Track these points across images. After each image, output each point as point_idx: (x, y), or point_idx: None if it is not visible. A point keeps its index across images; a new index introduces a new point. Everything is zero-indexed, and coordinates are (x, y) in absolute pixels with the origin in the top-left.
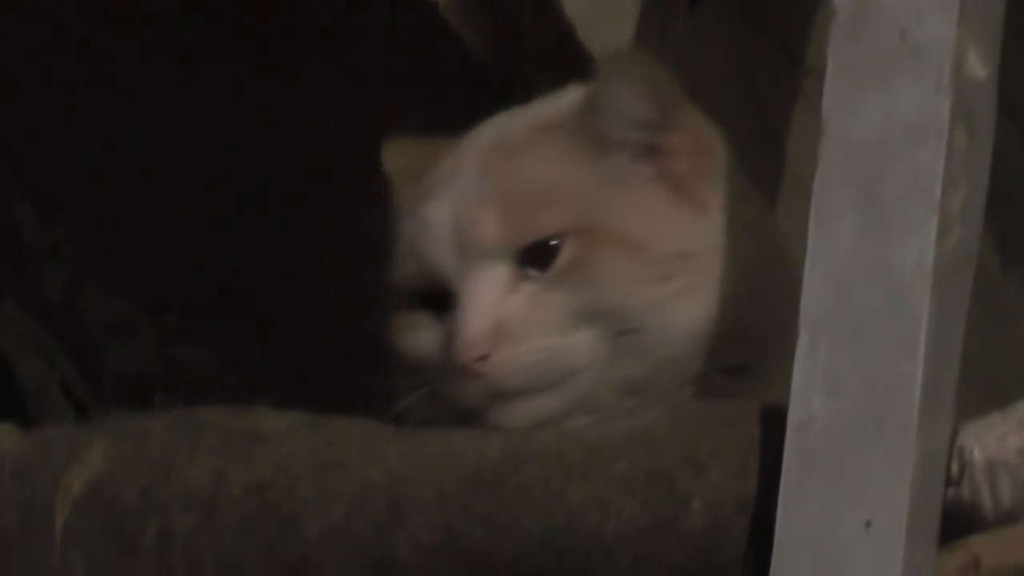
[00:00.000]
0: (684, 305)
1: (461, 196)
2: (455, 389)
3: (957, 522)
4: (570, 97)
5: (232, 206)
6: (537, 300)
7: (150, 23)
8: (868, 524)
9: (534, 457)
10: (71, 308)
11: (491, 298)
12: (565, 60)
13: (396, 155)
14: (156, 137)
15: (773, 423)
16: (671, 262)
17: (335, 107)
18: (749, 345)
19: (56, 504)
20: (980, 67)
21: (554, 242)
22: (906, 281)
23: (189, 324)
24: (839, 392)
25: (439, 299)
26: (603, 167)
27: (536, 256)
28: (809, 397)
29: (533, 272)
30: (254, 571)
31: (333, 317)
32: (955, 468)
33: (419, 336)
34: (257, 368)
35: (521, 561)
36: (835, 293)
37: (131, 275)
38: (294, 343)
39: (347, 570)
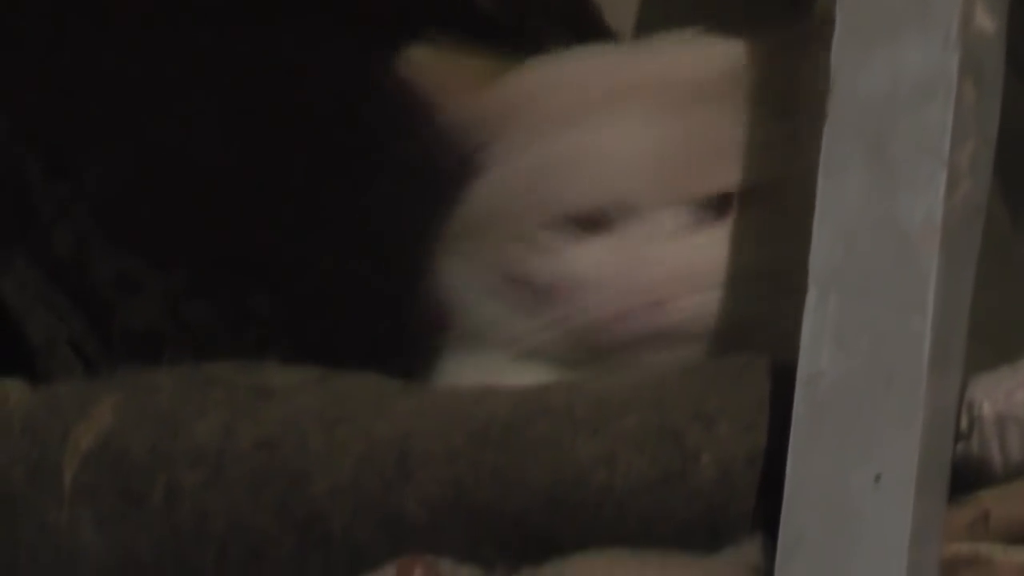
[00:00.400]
0: None
1: (636, 135)
2: (617, 321)
3: (966, 477)
4: (731, 50)
5: (241, 163)
6: (716, 250)
7: None
8: (878, 478)
9: (543, 412)
10: (80, 264)
11: (674, 243)
12: (573, 13)
13: (433, 65)
14: (166, 94)
15: (782, 378)
16: None
17: (340, 61)
18: None
19: (65, 460)
20: (988, 21)
21: (734, 195)
22: (915, 236)
23: (198, 280)
24: (848, 347)
25: (587, 227)
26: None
27: (716, 207)
28: (818, 352)
29: (712, 222)
30: (262, 527)
31: (343, 274)
32: (964, 423)
33: (573, 260)
34: (265, 324)
35: (530, 516)
36: (844, 248)
37: (139, 231)
38: (303, 299)
39: (356, 526)
